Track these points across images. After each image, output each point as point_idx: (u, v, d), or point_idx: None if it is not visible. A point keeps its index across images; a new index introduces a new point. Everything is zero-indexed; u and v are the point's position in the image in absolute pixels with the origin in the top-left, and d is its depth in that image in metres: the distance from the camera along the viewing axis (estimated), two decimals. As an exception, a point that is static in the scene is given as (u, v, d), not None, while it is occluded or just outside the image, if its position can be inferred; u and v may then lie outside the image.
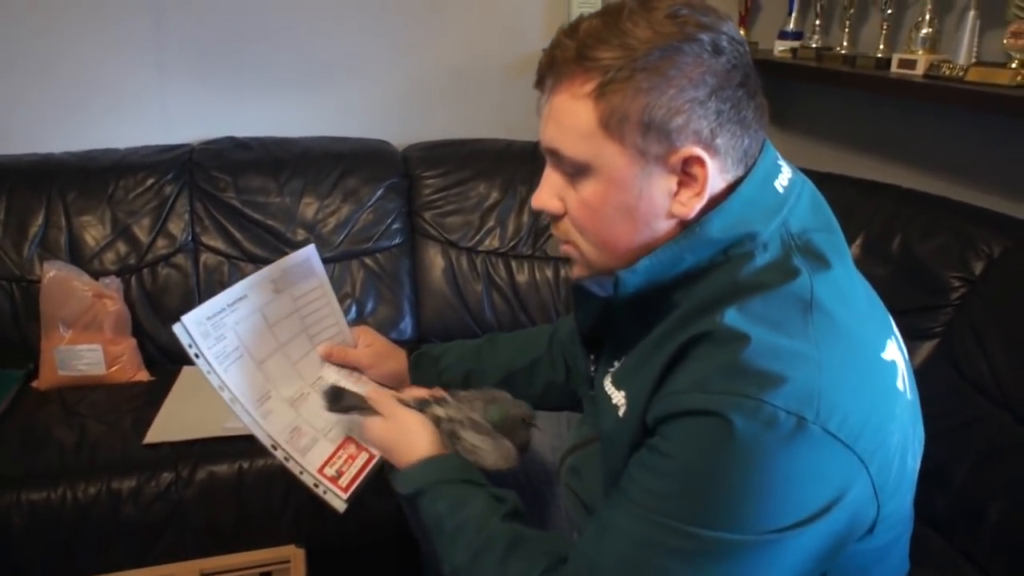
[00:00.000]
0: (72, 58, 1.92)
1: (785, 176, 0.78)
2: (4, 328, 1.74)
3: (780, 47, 1.98)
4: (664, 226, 0.76)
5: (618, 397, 0.81)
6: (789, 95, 2.12)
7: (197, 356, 1.00)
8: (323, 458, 1.04)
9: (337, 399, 1.05)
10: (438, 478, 0.91)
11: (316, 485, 1.02)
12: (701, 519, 0.68)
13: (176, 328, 0.99)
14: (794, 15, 2.00)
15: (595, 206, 0.77)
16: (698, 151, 0.73)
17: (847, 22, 1.80)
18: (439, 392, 1.05)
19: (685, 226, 0.76)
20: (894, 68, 1.59)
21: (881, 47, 1.68)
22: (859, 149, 1.93)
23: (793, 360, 0.68)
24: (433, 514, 0.89)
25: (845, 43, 1.80)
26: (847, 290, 0.77)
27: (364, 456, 1.06)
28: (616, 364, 0.87)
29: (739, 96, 0.74)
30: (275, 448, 1.02)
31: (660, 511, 0.70)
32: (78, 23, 1.90)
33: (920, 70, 1.53)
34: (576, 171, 0.77)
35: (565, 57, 0.75)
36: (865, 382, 0.72)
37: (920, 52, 1.56)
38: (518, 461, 1.00)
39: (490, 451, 0.99)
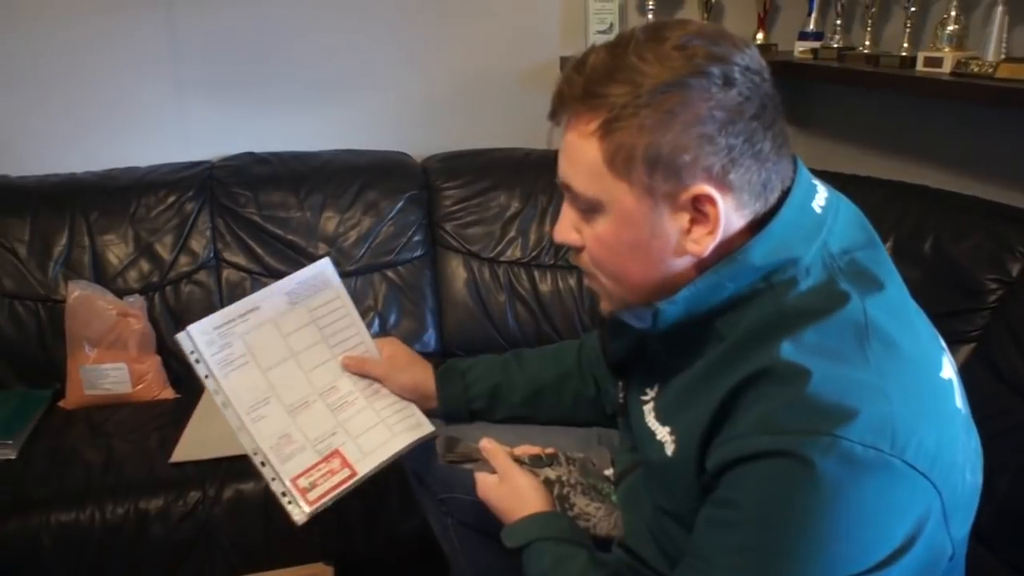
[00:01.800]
0: (92, 79, 1.94)
1: (822, 196, 0.77)
2: (30, 348, 1.75)
3: (800, 48, 1.96)
4: (679, 263, 0.75)
5: (663, 433, 0.80)
6: (810, 97, 2.10)
7: (197, 362, 1.01)
8: (302, 468, 1.03)
9: (452, 447, 1.04)
10: (542, 534, 0.90)
11: (283, 494, 1.01)
12: (789, 570, 0.66)
13: (180, 336, 1.01)
14: (814, 15, 1.98)
15: (608, 243, 0.76)
16: (708, 189, 0.71)
17: (869, 21, 1.77)
18: (551, 450, 1.04)
19: (699, 263, 0.74)
20: (920, 67, 1.56)
21: (905, 46, 1.65)
22: (884, 150, 1.90)
23: (859, 391, 0.66)
24: (535, 570, 0.89)
25: (867, 42, 1.78)
26: (901, 310, 0.75)
27: (345, 472, 1.05)
28: (650, 392, 0.85)
29: (753, 129, 0.71)
30: (255, 453, 1.02)
31: (743, 568, 0.68)
32: (97, 44, 1.92)
33: (947, 68, 1.50)
34: (588, 208, 0.76)
35: (573, 93, 0.73)
36: (930, 406, 0.70)
37: (947, 49, 1.53)
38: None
39: (602, 518, 0.98)
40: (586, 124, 0.72)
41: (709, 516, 0.72)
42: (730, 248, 0.73)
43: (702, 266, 0.75)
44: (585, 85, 0.72)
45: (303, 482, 1.02)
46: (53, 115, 1.94)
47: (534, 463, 1.01)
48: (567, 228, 0.80)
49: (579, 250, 0.81)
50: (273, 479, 1.02)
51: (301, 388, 1.09)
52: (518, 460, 1.01)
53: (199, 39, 1.96)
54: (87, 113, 1.96)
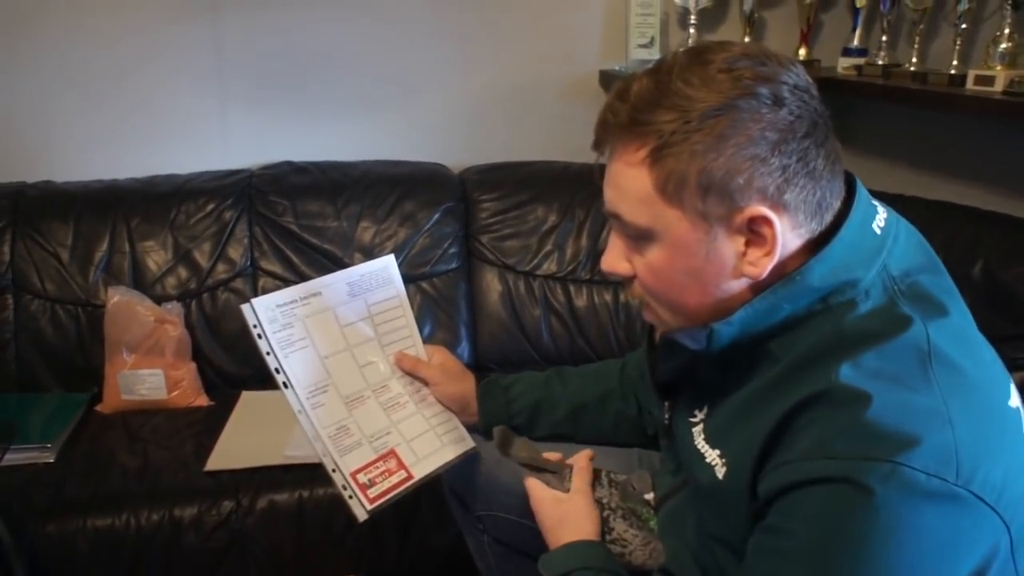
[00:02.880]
0: (139, 89, 1.97)
1: (881, 217, 0.75)
2: (70, 352, 1.77)
3: (844, 64, 1.93)
4: (735, 286, 0.74)
5: (712, 455, 0.78)
6: (854, 114, 2.06)
7: (260, 337, 1.01)
8: (360, 463, 1.03)
9: (508, 442, 1.02)
10: (580, 564, 0.89)
11: (344, 487, 1.01)
12: None
13: (244, 308, 1.01)
14: (858, 31, 1.95)
15: (661, 270, 0.75)
16: (764, 210, 0.69)
17: (916, 38, 1.74)
18: (595, 468, 1.03)
19: (755, 285, 0.73)
20: (970, 85, 1.53)
21: (955, 63, 1.62)
22: (932, 170, 1.87)
23: (922, 417, 0.64)
24: None
25: (914, 59, 1.75)
26: (966, 336, 0.73)
27: (402, 474, 1.05)
28: (699, 414, 0.83)
29: (805, 147, 0.69)
30: (315, 440, 1.02)
31: None
32: (144, 54, 1.95)
33: (999, 87, 1.46)
34: (639, 236, 0.75)
35: (618, 122, 0.72)
36: (998, 435, 0.68)
37: (999, 68, 1.49)
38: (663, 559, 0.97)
39: (638, 547, 0.97)
40: (634, 153, 0.71)
41: (760, 544, 0.70)
42: (786, 269, 0.72)
43: (758, 288, 0.73)
44: (631, 113, 0.71)
45: (362, 478, 1.02)
46: (98, 122, 1.97)
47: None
48: (616, 258, 0.79)
49: (629, 279, 0.79)
50: (333, 470, 1.01)
51: (356, 381, 1.09)
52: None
53: (242, 50, 1.98)
54: (131, 120, 1.98)
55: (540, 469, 0.99)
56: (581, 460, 1.00)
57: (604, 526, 0.97)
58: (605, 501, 0.99)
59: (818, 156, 0.70)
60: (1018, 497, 0.67)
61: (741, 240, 0.71)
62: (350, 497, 1.01)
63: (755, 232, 0.71)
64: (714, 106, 0.68)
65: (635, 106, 0.71)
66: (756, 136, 0.68)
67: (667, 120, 0.69)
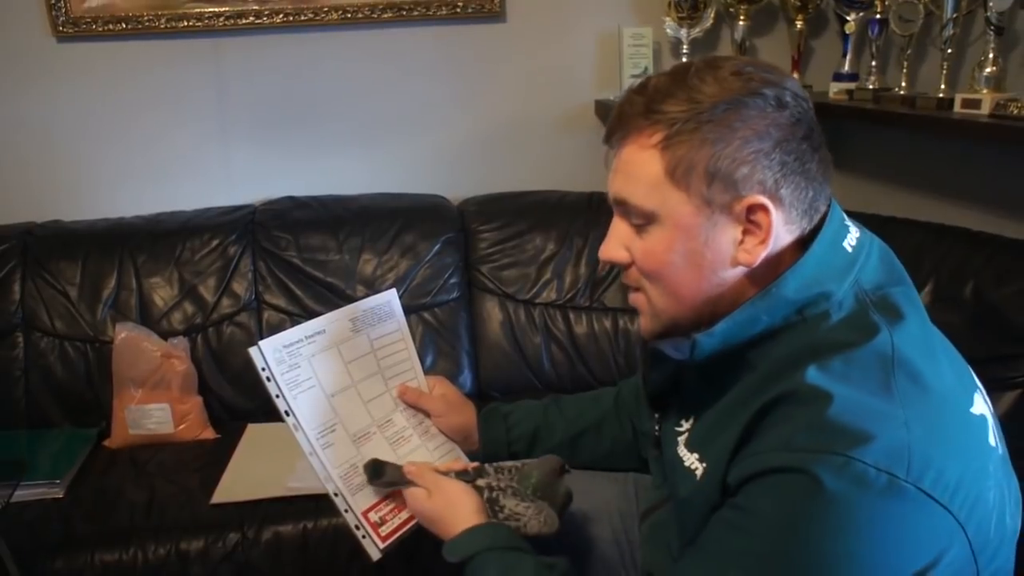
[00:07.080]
0: (144, 130, 2.02)
1: (853, 236, 0.79)
2: (79, 388, 1.80)
3: (835, 89, 1.96)
4: (730, 275, 0.77)
5: (691, 460, 0.81)
6: (846, 138, 2.09)
7: (268, 380, 1.02)
8: (371, 502, 1.04)
9: (378, 473, 1.04)
10: (486, 545, 0.91)
11: (357, 527, 1.02)
12: None
13: (252, 351, 1.02)
14: (849, 56, 1.98)
15: (661, 253, 0.78)
16: (763, 199, 0.74)
17: (904, 62, 1.77)
18: (475, 464, 1.05)
19: (751, 277, 0.77)
20: (957, 108, 1.55)
21: (942, 87, 1.65)
22: (922, 191, 1.89)
23: (879, 418, 0.67)
24: None
25: (903, 84, 1.77)
26: (928, 345, 0.76)
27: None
28: (684, 424, 0.87)
29: (803, 149, 0.75)
30: (327, 480, 1.03)
31: (739, 568, 0.70)
32: (149, 98, 2.01)
33: (986, 110, 1.48)
34: (644, 220, 0.78)
35: (634, 111, 0.78)
36: (956, 438, 0.70)
37: (984, 91, 1.52)
38: (559, 526, 1.00)
39: (532, 517, 0.99)
40: (648, 138, 0.76)
41: (722, 516, 0.74)
42: (778, 264, 0.76)
43: (752, 279, 0.77)
44: (647, 103, 0.77)
45: (373, 516, 1.03)
46: (105, 162, 2.02)
47: (461, 477, 1.02)
48: (615, 246, 0.82)
49: (626, 267, 0.83)
50: (346, 511, 1.03)
51: (362, 418, 1.10)
52: (444, 475, 1.01)
53: (244, 90, 2.03)
54: (137, 160, 2.03)
55: (403, 484, 1.02)
56: (407, 467, 1.02)
57: (495, 506, 0.99)
58: (493, 484, 1.01)
59: (813, 159, 0.76)
60: (975, 499, 0.69)
61: (739, 228, 0.76)
62: (363, 537, 1.02)
63: (752, 221, 0.75)
64: (725, 100, 0.74)
65: (651, 97, 0.77)
66: (762, 131, 0.74)
67: (681, 110, 0.75)
